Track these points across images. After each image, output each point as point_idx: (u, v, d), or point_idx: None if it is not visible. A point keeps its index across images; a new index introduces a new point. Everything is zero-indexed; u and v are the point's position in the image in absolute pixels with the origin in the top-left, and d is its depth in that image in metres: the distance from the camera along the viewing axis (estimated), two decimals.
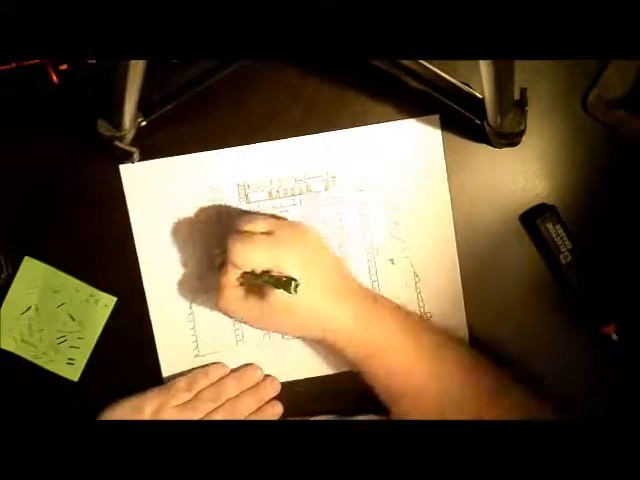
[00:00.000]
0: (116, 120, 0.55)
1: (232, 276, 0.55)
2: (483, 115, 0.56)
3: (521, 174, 0.62)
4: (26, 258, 0.60)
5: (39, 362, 0.61)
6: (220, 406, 0.60)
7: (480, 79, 0.50)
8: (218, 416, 0.60)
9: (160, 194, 0.61)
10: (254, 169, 0.62)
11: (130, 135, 0.58)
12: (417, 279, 0.62)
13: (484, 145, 0.61)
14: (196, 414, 0.60)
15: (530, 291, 0.63)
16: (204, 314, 0.62)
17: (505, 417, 0.54)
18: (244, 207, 0.62)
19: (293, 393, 0.63)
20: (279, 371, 0.63)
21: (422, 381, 0.55)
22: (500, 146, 0.61)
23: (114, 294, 0.61)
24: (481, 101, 0.56)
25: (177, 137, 0.61)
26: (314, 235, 0.58)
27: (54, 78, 0.59)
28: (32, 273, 0.61)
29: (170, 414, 0.59)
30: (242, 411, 0.61)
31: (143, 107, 0.57)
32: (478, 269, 0.62)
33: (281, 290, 0.52)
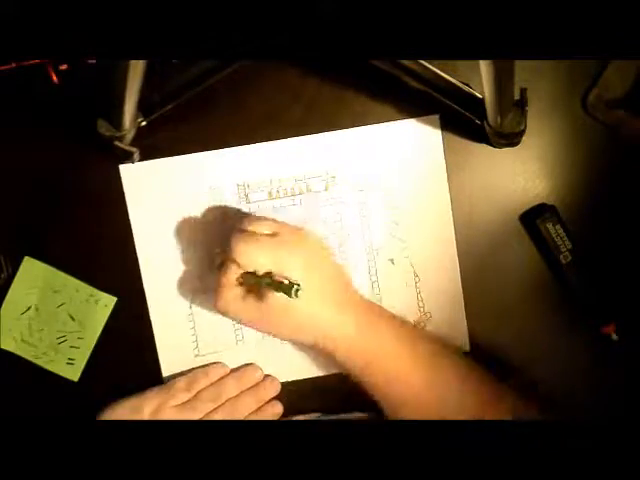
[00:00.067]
0: (116, 120, 0.55)
1: (232, 276, 0.54)
2: (483, 115, 0.56)
3: (521, 174, 0.62)
4: (26, 258, 0.60)
5: (39, 362, 0.61)
6: (220, 406, 0.60)
7: (480, 79, 0.50)
8: (218, 416, 0.60)
9: (160, 194, 0.61)
10: (254, 169, 0.62)
11: (130, 135, 0.58)
12: (417, 279, 0.62)
13: (484, 145, 0.61)
14: (195, 414, 0.60)
15: (530, 291, 0.63)
16: (204, 314, 0.62)
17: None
18: (244, 207, 0.62)
19: (293, 393, 0.63)
20: (279, 371, 0.63)
21: (420, 389, 0.55)
22: (500, 146, 0.61)
23: (114, 294, 0.61)
24: (481, 101, 0.56)
25: (177, 137, 0.61)
26: (317, 241, 0.57)
27: (54, 78, 0.59)
28: (32, 273, 0.61)
29: (169, 414, 0.59)
30: (242, 411, 0.61)
31: (143, 107, 0.57)
32: (478, 269, 0.62)
33: (281, 293, 0.51)
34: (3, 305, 0.61)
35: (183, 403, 0.60)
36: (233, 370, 0.62)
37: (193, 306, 0.62)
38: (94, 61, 0.59)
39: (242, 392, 0.61)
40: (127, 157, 0.59)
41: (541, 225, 0.61)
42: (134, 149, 0.58)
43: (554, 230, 0.60)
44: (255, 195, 0.62)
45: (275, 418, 0.62)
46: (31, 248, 0.61)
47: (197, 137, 0.61)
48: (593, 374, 0.62)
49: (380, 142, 0.62)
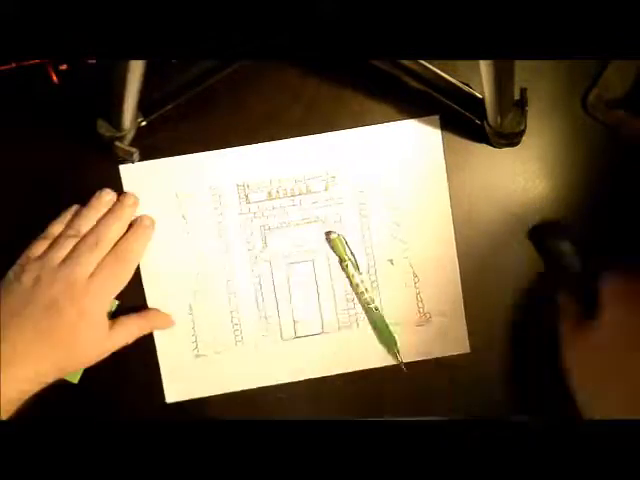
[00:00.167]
0: (116, 120, 0.55)
1: None
2: (483, 115, 0.56)
3: (521, 174, 0.62)
4: None
5: None
6: (83, 237, 0.57)
7: (480, 79, 0.50)
8: (85, 247, 0.56)
9: (160, 194, 0.61)
10: (254, 169, 0.62)
11: (130, 135, 0.58)
12: (416, 279, 0.62)
13: (484, 145, 0.61)
14: (59, 253, 0.56)
15: (530, 291, 0.63)
16: (204, 314, 0.62)
17: None
18: (244, 207, 0.62)
19: (292, 394, 0.63)
20: (278, 373, 0.63)
21: None
22: (500, 146, 0.61)
23: (115, 297, 0.61)
24: (481, 101, 0.56)
25: (177, 137, 0.61)
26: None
27: (54, 78, 0.59)
28: None
29: (34, 270, 0.56)
30: (109, 232, 0.57)
31: (143, 107, 0.57)
32: (478, 269, 0.62)
33: None
34: None
35: (43, 252, 0.57)
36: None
37: (193, 306, 0.62)
38: (94, 61, 0.59)
39: (99, 220, 0.58)
40: (127, 157, 0.59)
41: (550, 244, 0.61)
42: (134, 149, 0.58)
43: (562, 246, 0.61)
44: (255, 195, 0.62)
45: (152, 226, 0.60)
46: None
47: (197, 137, 0.61)
48: None
49: (380, 142, 0.62)
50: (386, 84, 0.61)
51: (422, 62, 0.57)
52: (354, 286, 0.62)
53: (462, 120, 0.60)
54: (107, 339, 0.57)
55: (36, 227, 0.59)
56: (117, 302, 0.61)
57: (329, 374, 0.62)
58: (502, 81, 0.49)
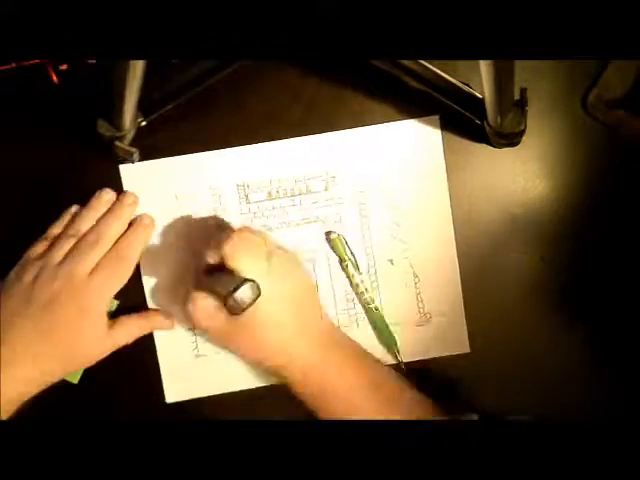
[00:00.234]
0: (116, 120, 0.55)
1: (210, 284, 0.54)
2: (483, 115, 0.56)
3: (521, 174, 0.62)
4: None
5: None
6: (83, 236, 0.57)
7: (480, 79, 0.50)
8: (86, 246, 0.56)
9: (160, 194, 0.61)
10: (254, 169, 0.62)
11: (130, 135, 0.58)
12: (417, 279, 0.62)
13: (484, 145, 0.61)
14: (59, 252, 0.56)
15: (530, 291, 0.63)
16: None
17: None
18: (244, 207, 0.62)
19: (291, 395, 0.62)
20: None
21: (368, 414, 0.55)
22: (500, 146, 0.61)
23: (115, 297, 0.61)
24: (481, 101, 0.56)
25: (177, 137, 0.61)
26: (297, 260, 0.58)
27: (54, 78, 0.59)
28: None
29: (33, 270, 0.56)
30: (109, 231, 0.57)
31: (143, 107, 0.57)
32: (478, 270, 0.62)
33: (252, 308, 0.51)
34: None
35: (44, 251, 0.57)
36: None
37: None
38: (94, 61, 0.59)
39: (99, 219, 0.58)
40: (127, 157, 0.59)
41: None
42: (134, 149, 0.58)
43: None
44: (255, 195, 0.62)
45: (152, 225, 0.60)
46: None
47: (197, 137, 0.61)
48: (592, 375, 0.62)
49: (380, 143, 0.62)
50: (386, 84, 0.61)
51: (422, 62, 0.57)
52: (354, 286, 0.62)
53: (462, 120, 0.60)
54: (107, 337, 0.57)
55: (36, 227, 0.59)
56: (117, 302, 0.61)
57: None
58: (502, 81, 0.49)
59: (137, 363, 0.62)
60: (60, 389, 0.57)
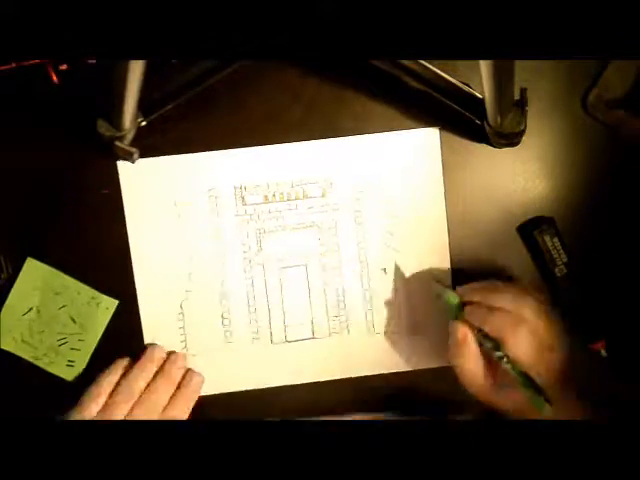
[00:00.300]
0: (116, 120, 0.55)
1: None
2: (483, 115, 0.56)
3: (521, 174, 0.62)
4: (28, 259, 0.60)
5: (39, 363, 0.61)
6: (136, 402, 0.58)
7: (480, 79, 0.50)
8: (140, 412, 0.58)
9: (157, 192, 0.61)
10: (252, 172, 0.61)
11: (130, 135, 0.58)
12: (409, 288, 0.62)
13: (484, 145, 0.61)
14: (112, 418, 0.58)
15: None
16: (194, 314, 0.62)
17: None
18: (240, 209, 0.62)
19: (290, 395, 0.63)
20: (268, 376, 0.62)
21: None
22: (500, 146, 0.61)
23: (115, 297, 0.61)
24: (481, 101, 0.56)
25: (177, 137, 0.61)
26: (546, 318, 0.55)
27: (54, 78, 0.59)
28: (34, 274, 0.61)
29: None
30: (161, 397, 0.59)
31: (143, 107, 0.57)
32: (478, 270, 0.62)
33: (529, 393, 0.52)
34: (4, 306, 0.61)
35: (99, 413, 0.58)
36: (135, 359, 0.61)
37: (183, 305, 0.62)
38: (94, 61, 0.59)
39: (152, 379, 0.59)
40: (127, 157, 0.59)
41: (538, 237, 0.60)
42: (134, 149, 0.58)
43: (551, 243, 0.60)
44: (251, 198, 0.62)
45: (200, 387, 0.61)
46: (31, 249, 0.61)
47: (197, 137, 0.61)
48: (592, 374, 0.62)
49: (379, 151, 0.61)
50: (386, 84, 0.61)
51: (422, 62, 0.57)
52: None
53: (462, 120, 0.60)
54: None
55: (36, 227, 0.59)
56: (117, 302, 0.61)
57: (319, 380, 0.62)
58: (502, 81, 0.49)
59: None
60: (59, 389, 0.57)
